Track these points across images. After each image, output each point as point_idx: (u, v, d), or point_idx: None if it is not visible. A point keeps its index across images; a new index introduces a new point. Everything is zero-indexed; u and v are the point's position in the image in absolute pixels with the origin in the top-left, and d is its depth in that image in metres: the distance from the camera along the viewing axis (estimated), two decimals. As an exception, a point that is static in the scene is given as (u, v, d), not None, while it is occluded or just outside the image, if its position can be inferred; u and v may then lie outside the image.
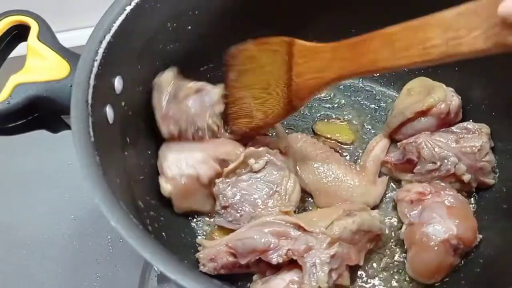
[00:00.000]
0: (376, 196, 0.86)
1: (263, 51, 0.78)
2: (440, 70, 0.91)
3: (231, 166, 0.79)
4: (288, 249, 0.69)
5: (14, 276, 0.93)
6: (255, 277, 0.75)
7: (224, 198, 0.79)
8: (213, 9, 0.85)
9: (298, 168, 0.86)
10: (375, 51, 0.63)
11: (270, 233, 0.71)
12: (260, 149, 0.81)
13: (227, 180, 0.80)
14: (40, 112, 0.69)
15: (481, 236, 0.77)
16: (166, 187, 0.78)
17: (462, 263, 0.77)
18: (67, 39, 0.82)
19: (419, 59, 0.59)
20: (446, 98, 0.85)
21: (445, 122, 0.86)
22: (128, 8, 0.71)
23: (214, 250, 0.74)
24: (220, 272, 0.74)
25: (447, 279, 0.77)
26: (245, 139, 0.84)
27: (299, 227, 0.71)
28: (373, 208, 0.84)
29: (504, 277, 0.62)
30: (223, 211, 0.80)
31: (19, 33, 0.71)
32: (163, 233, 0.75)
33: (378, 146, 0.90)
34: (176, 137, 0.82)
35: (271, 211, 0.77)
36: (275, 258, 0.70)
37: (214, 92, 0.83)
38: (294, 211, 0.79)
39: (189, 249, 0.79)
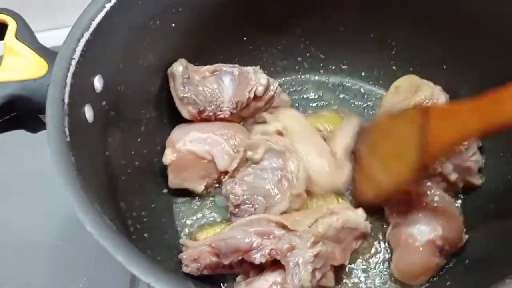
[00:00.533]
0: (341, 182, 0.85)
1: (399, 125, 0.78)
2: (428, 67, 0.91)
3: (233, 165, 0.79)
4: (271, 249, 0.68)
5: (2, 277, 0.93)
6: (238, 278, 0.74)
7: (236, 197, 0.78)
8: (198, 6, 0.84)
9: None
10: None
11: (254, 232, 0.70)
12: (255, 139, 0.80)
13: (233, 179, 0.80)
14: (18, 111, 0.67)
15: (467, 236, 0.76)
16: (169, 156, 0.82)
17: (449, 263, 0.76)
18: (50, 38, 0.82)
19: None
20: (433, 96, 0.84)
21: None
22: (108, 6, 0.70)
23: (197, 250, 0.73)
24: (204, 273, 0.73)
25: (433, 279, 0.76)
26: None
27: (283, 226, 0.71)
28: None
29: (491, 277, 0.61)
30: (237, 210, 0.79)
31: (-4, 30, 0.70)
32: (145, 234, 0.74)
33: (345, 130, 0.89)
34: (197, 117, 0.85)
35: (283, 196, 0.77)
36: (258, 258, 0.69)
37: (263, 76, 0.87)
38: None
39: (173, 250, 0.78)
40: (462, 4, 0.81)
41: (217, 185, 0.87)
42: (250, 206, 0.78)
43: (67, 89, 0.62)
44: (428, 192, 0.77)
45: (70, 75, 0.63)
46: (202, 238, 0.80)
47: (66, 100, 0.62)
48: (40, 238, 0.95)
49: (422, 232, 0.74)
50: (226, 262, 0.71)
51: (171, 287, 0.50)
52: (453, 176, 0.79)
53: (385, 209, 0.81)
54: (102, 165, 0.70)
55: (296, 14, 0.93)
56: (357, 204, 0.82)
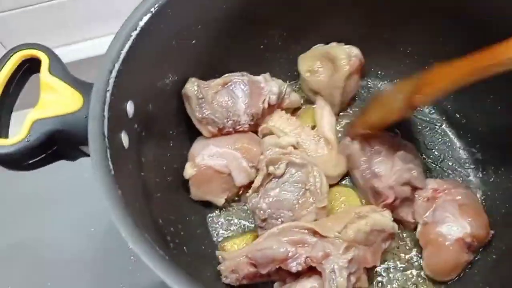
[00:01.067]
0: (345, 162, 0.89)
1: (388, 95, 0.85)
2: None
3: (256, 180, 0.82)
4: (307, 257, 0.71)
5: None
6: (276, 285, 0.77)
7: (261, 212, 0.81)
8: (215, 21, 0.86)
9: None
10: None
11: (287, 242, 0.73)
12: (275, 153, 0.82)
13: (257, 193, 0.82)
14: (59, 144, 0.70)
15: (493, 231, 0.79)
16: (189, 170, 0.85)
17: (476, 259, 0.79)
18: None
19: None
20: (348, 52, 0.90)
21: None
22: (134, 34, 0.72)
23: (234, 262, 0.76)
24: (243, 282, 0.76)
25: (461, 275, 0.79)
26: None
27: (314, 233, 0.73)
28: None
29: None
30: (264, 223, 0.81)
31: (30, 66, 0.72)
32: (184, 247, 0.77)
33: (325, 112, 0.93)
34: (217, 134, 0.88)
35: (309, 210, 0.80)
36: (294, 266, 0.72)
37: (274, 84, 0.89)
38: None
39: (210, 261, 0.81)
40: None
41: (237, 198, 0.90)
42: (277, 220, 0.80)
43: (106, 122, 0.65)
44: (453, 190, 0.80)
45: (106, 107, 0.66)
46: (229, 248, 0.85)
47: (106, 134, 0.64)
48: (75, 252, 0.99)
49: (452, 231, 0.77)
50: (263, 272, 0.74)
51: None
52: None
53: (415, 208, 0.83)
54: (140, 187, 0.73)
55: (310, 20, 0.95)
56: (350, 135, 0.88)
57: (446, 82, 0.71)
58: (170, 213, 0.80)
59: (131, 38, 0.71)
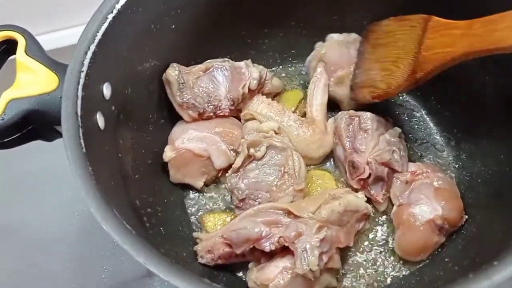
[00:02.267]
0: (330, 143, 0.90)
1: (401, 26, 0.81)
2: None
3: (237, 161, 0.83)
4: (280, 237, 0.73)
5: (29, 271, 0.98)
6: (250, 265, 0.78)
7: (239, 192, 0.82)
8: (195, 6, 0.87)
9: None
10: (508, 28, 0.63)
11: (262, 222, 0.74)
12: (257, 136, 0.84)
13: (236, 174, 0.83)
14: (34, 124, 0.71)
15: (466, 216, 0.80)
16: (169, 153, 0.86)
17: (447, 240, 0.80)
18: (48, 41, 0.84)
19: None
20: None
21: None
22: (110, 16, 0.73)
23: (210, 242, 0.77)
24: (218, 262, 0.78)
25: (433, 256, 0.80)
26: (362, 105, 0.88)
27: (289, 213, 0.75)
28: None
29: (486, 253, 0.65)
30: (241, 203, 0.83)
31: (8, 47, 0.73)
32: (161, 228, 0.78)
33: (319, 91, 0.92)
34: (198, 119, 0.89)
35: (286, 192, 0.81)
36: (268, 246, 0.73)
37: (255, 70, 0.90)
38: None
39: (188, 242, 0.82)
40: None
41: (216, 180, 0.91)
42: (255, 201, 0.82)
43: (79, 102, 0.66)
44: (432, 174, 0.81)
45: (80, 88, 0.67)
46: (208, 222, 0.86)
47: (79, 113, 0.65)
48: (60, 234, 1.00)
49: (423, 212, 0.78)
50: (238, 251, 0.75)
51: (186, 283, 0.55)
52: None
53: (392, 189, 0.84)
54: (117, 168, 0.74)
55: (293, 4, 0.96)
56: (354, 103, 0.89)
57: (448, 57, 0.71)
58: (148, 195, 0.81)
59: (107, 21, 0.73)
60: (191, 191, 0.91)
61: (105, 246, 0.97)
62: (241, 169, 0.83)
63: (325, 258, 0.73)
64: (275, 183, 0.82)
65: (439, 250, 0.80)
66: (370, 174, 0.82)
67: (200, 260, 0.78)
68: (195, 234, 0.82)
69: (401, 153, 0.85)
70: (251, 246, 0.75)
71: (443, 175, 0.83)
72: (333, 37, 0.94)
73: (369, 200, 0.83)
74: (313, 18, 0.97)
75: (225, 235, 0.76)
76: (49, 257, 0.99)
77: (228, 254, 0.77)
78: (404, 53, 0.78)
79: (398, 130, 0.88)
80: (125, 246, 0.56)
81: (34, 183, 1.06)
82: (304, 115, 0.94)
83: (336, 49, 0.93)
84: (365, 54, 0.89)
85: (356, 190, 0.84)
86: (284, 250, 0.74)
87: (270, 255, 0.76)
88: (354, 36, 0.94)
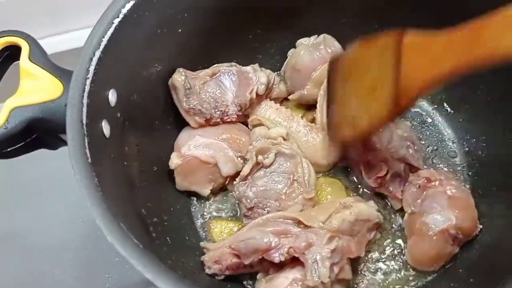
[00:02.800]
0: (338, 151, 0.87)
1: (371, 52, 0.71)
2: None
3: (245, 169, 0.81)
4: (290, 247, 0.71)
5: (32, 278, 0.97)
6: (259, 276, 0.77)
7: (248, 200, 0.81)
8: (202, 9, 0.85)
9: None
10: (496, 36, 0.53)
11: (271, 232, 0.73)
12: (265, 143, 0.82)
13: (244, 182, 0.82)
14: (38, 132, 0.69)
15: (481, 226, 0.78)
16: (175, 160, 0.84)
17: (460, 251, 0.78)
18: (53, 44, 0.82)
19: None
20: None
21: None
22: (116, 21, 0.71)
23: (218, 252, 0.76)
24: (225, 273, 0.76)
25: (446, 266, 0.78)
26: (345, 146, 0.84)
27: (299, 223, 0.73)
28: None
29: (501, 264, 0.63)
30: (250, 212, 0.81)
31: (11, 53, 0.72)
32: (168, 238, 0.77)
33: (323, 99, 0.90)
34: (205, 125, 0.87)
35: (295, 200, 0.80)
36: (277, 257, 0.71)
37: (263, 74, 0.88)
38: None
39: (194, 251, 0.81)
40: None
41: (223, 188, 0.89)
42: (263, 209, 0.80)
43: (84, 109, 0.65)
44: (446, 182, 0.79)
45: (85, 95, 0.65)
46: (215, 229, 0.85)
47: (85, 121, 0.64)
48: (64, 240, 0.99)
49: (436, 221, 0.76)
50: (246, 262, 0.73)
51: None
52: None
53: (404, 196, 0.82)
54: (122, 176, 0.72)
55: (300, 8, 0.94)
56: (333, 143, 0.83)
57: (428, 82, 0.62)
58: (154, 203, 0.79)
59: (113, 26, 0.71)
60: (197, 199, 0.90)
61: (110, 253, 0.95)
62: (249, 177, 0.82)
63: (336, 269, 0.71)
64: (284, 191, 0.80)
65: (453, 261, 0.78)
66: (387, 171, 0.80)
67: (207, 271, 0.77)
68: (202, 244, 0.80)
69: (415, 147, 0.84)
70: (260, 257, 0.73)
71: (457, 183, 0.81)
72: (302, 42, 0.94)
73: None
74: (320, 22, 0.95)
75: (233, 246, 0.74)
76: (53, 264, 0.97)
77: (236, 264, 0.75)
78: (380, 81, 0.68)
79: (408, 124, 0.86)
80: (132, 260, 0.55)
81: (38, 189, 1.04)
82: (312, 121, 0.92)
83: (307, 53, 0.92)
84: (336, 88, 0.80)
85: (373, 189, 0.83)
86: (294, 261, 0.73)
87: (280, 266, 0.74)
88: (322, 36, 0.93)
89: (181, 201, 0.88)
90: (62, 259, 0.97)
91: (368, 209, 0.77)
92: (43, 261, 0.98)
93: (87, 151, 0.62)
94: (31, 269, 0.97)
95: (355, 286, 0.80)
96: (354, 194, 0.87)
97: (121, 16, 0.72)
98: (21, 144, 0.69)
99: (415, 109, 0.96)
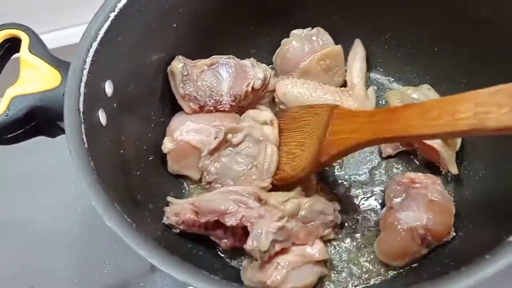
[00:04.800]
0: (371, 108, 0.92)
1: (308, 113, 0.83)
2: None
3: (213, 144, 0.83)
4: (243, 215, 0.74)
5: (32, 264, 1.00)
6: (245, 262, 0.80)
7: (209, 175, 0.84)
8: (197, 5, 0.88)
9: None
10: (408, 118, 0.64)
11: (232, 200, 0.76)
12: (241, 124, 0.84)
13: (210, 156, 0.85)
14: (37, 120, 0.72)
15: (454, 233, 0.78)
16: (168, 145, 0.87)
17: (431, 255, 0.79)
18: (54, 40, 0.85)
19: (448, 129, 0.60)
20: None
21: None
22: (112, 15, 0.74)
23: (180, 206, 0.79)
24: (180, 227, 0.79)
25: (413, 265, 0.80)
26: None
27: (259, 199, 0.76)
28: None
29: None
30: (208, 186, 0.85)
31: (12, 45, 0.75)
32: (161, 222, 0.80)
33: (357, 59, 0.94)
34: (199, 111, 0.90)
35: (249, 185, 0.81)
36: (229, 221, 0.74)
37: (260, 70, 0.91)
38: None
39: (187, 236, 0.82)
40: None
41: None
42: (219, 185, 0.83)
43: (81, 98, 0.67)
44: (431, 186, 0.80)
45: (83, 85, 0.68)
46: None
47: (81, 109, 0.67)
48: (63, 229, 1.02)
49: (408, 218, 0.77)
50: (202, 220, 0.76)
51: (185, 274, 0.56)
52: None
53: (387, 190, 0.85)
54: (119, 163, 0.75)
55: (291, 6, 0.97)
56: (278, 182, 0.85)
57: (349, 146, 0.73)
58: (149, 190, 0.82)
59: (110, 19, 0.74)
60: (189, 183, 0.93)
61: (108, 241, 0.98)
62: (216, 153, 0.84)
63: (277, 247, 0.74)
64: (242, 173, 0.83)
65: (421, 261, 0.79)
66: None
67: (164, 220, 0.79)
68: (168, 198, 0.83)
69: None
70: (215, 219, 0.76)
71: (442, 189, 0.81)
72: (296, 32, 0.97)
73: (341, 211, 0.84)
74: (313, 18, 0.98)
75: (195, 203, 0.77)
76: (52, 252, 1.00)
77: (192, 221, 0.78)
78: (309, 137, 0.79)
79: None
80: (126, 239, 0.57)
81: (38, 179, 1.07)
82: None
83: (299, 43, 0.95)
84: (280, 136, 0.87)
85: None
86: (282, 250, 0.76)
87: (229, 235, 0.80)
88: (316, 29, 0.95)
89: (174, 186, 0.91)
90: (61, 247, 1.00)
91: (325, 203, 0.80)
92: (42, 249, 1.00)
93: (84, 137, 0.65)
94: (30, 257, 1.00)
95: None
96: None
97: (117, 10, 0.74)
98: (21, 131, 0.72)
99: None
